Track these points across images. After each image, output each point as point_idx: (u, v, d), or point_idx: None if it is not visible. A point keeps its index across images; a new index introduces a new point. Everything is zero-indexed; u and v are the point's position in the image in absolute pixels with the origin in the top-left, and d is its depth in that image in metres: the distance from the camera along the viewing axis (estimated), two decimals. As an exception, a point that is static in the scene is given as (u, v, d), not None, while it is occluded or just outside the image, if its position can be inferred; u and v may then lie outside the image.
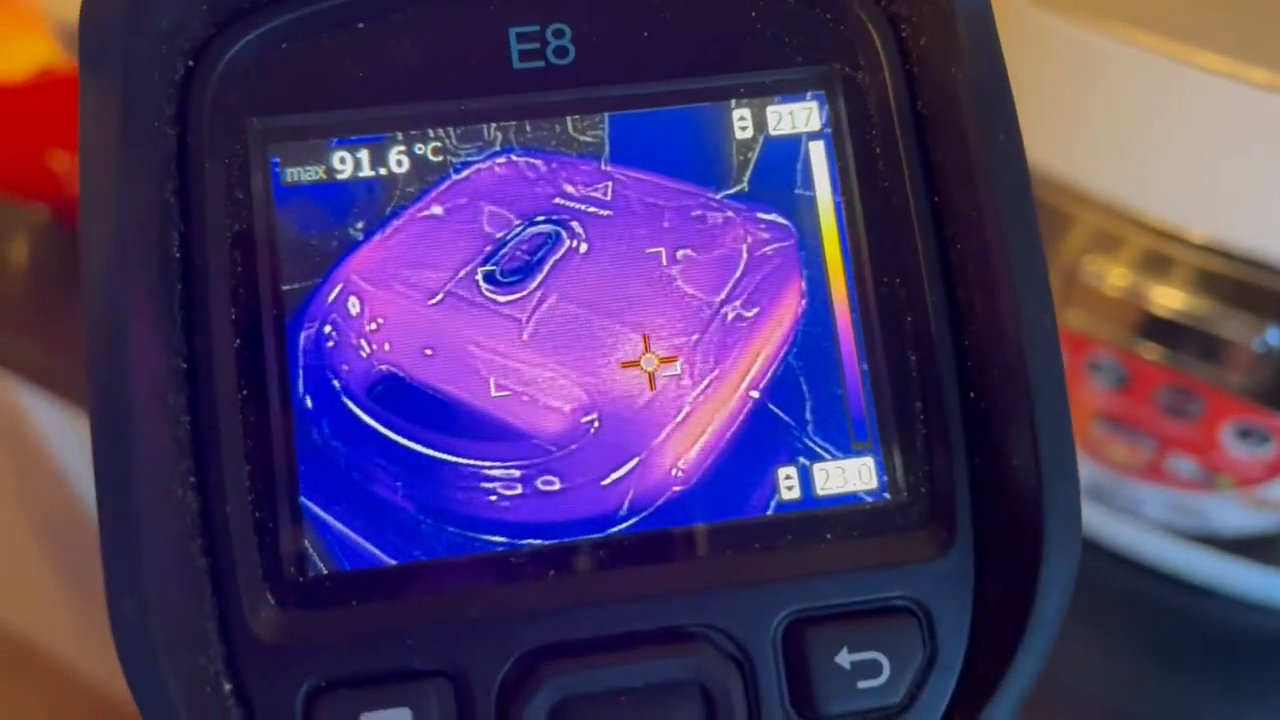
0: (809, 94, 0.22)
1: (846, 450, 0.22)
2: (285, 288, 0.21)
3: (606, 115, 0.22)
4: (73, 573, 0.96)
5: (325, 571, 0.21)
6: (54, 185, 0.62)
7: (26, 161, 0.62)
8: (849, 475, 0.22)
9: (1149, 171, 0.38)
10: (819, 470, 0.22)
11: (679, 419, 0.22)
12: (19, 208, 0.68)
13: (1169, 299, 0.39)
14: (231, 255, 0.21)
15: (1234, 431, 0.40)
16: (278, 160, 0.21)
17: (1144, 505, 0.44)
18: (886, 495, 0.22)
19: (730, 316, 0.22)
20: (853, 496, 0.22)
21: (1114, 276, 0.40)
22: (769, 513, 0.21)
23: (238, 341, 0.21)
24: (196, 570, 0.20)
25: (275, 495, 0.20)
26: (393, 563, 0.21)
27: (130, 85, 0.20)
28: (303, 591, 0.20)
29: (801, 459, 0.22)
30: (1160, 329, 0.39)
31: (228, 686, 0.20)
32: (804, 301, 0.22)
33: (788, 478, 0.22)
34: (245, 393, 0.20)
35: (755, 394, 0.22)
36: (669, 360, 0.22)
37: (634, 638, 0.20)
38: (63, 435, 0.78)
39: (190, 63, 0.21)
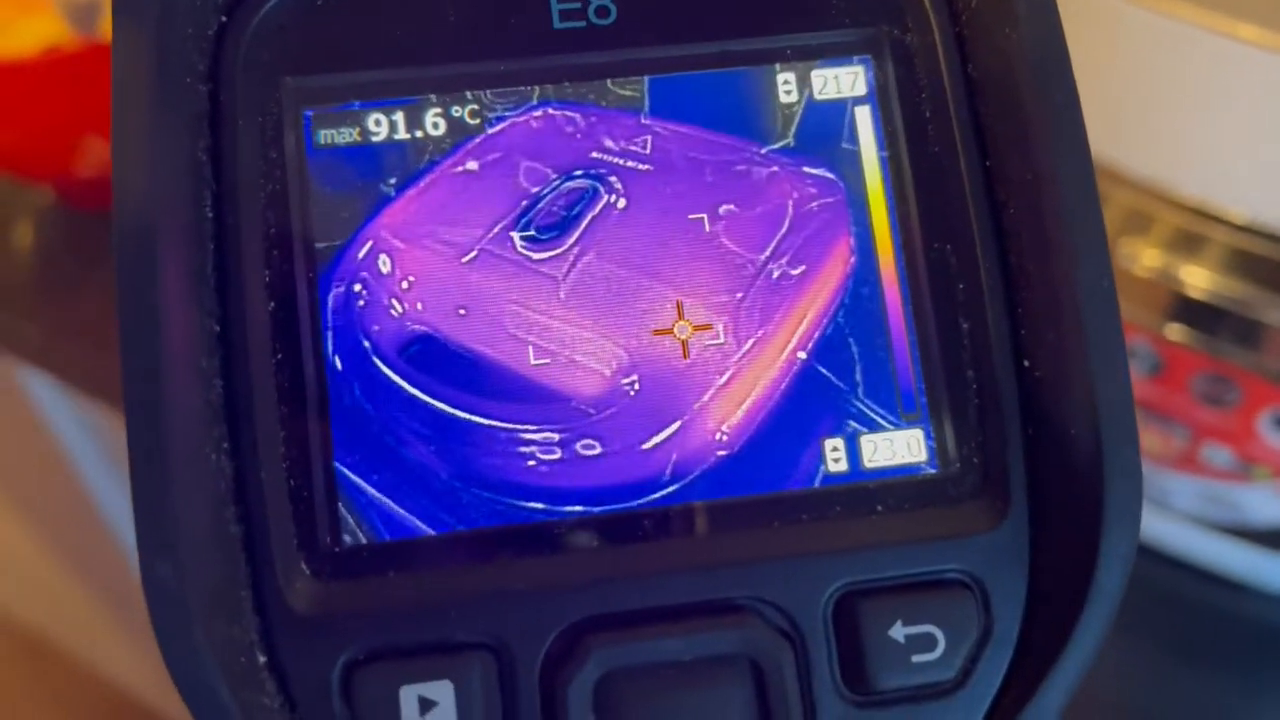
0: (855, 58, 0.22)
1: (895, 420, 0.21)
2: (317, 245, 0.21)
3: (646, 78, 0.22)
4: (76, 558, 0.96)
5: (361, 541, 0.20)
6: (59, 165, 0.62)
7: (32, 141, 0.62)
8: (897, 447, 0.21)
9: (1184, 149, 0.38)
10: (866, 442, 0.21)
11: (723, 381, 0.21)
12: (23, 189, 0.68)
13: (1205, 282, 0.39)
14: (264, 216, 0.20)
15: (1272, 420, 0.40)
16: (311, 121, 0.21)
17: (1174, 496, 0.44)
18: (936, 467, 0.21)
19: (776, 274, 0.22)
20: (901, 469, 0.21)
21: (1148, 258, 0.39)
22: (816, 485, 0.21)
23: (271, 304, 0.20)
24: (230, 538, 0.19)
25: (310, 462, 0.20)
26: (431, 532, 0.20)
27: (164, 37, 0.19)
28: (339, 561, 0.20)
29: (851, 424, 0.21)
30: (1196, 313, 0.39)
31: (263, 658, 0.19)
32: (853, 259, 0.22)
33: (834, 449, 0.21)
34: (279, 356, 0.20)
35: (803, 355, 0.21)
36: (712, 319, 0.21)
37: (682, 610, 0.20)
38: (66, 419, 0.77)
39: (224, 18, 0.21)
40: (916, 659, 0.20)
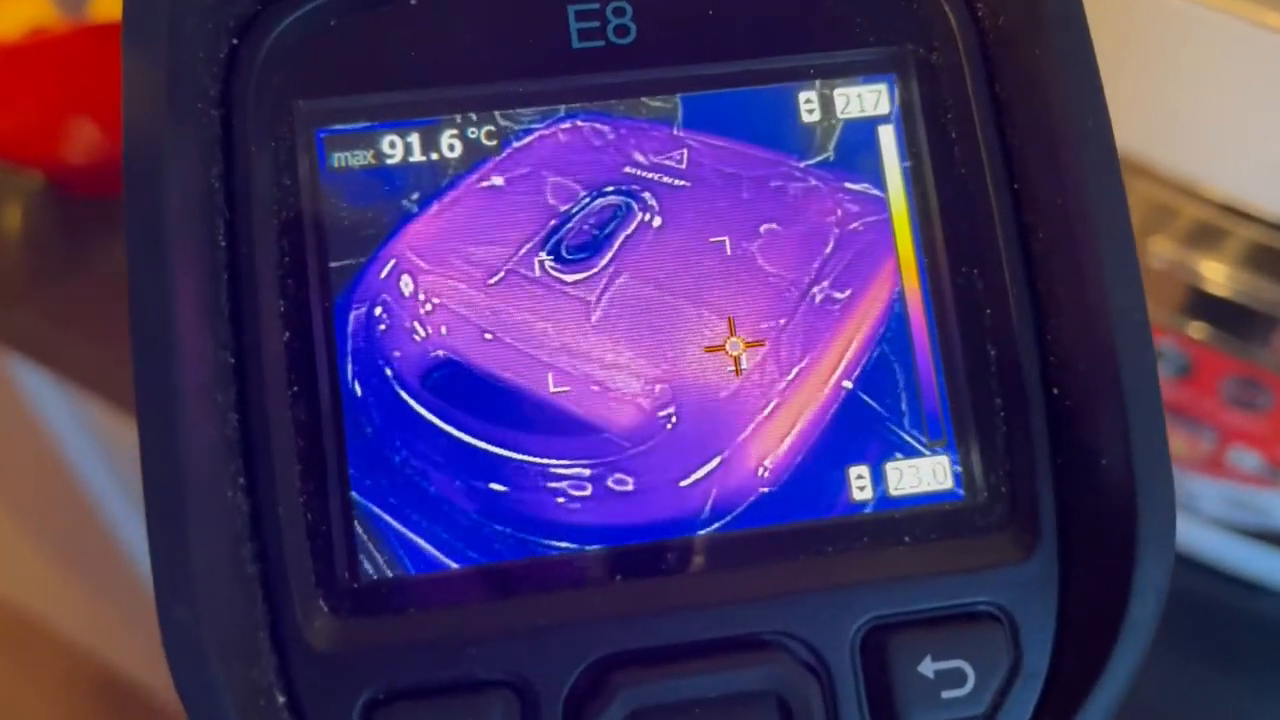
0: (879, 76, 0.22)
1: (921, 447, 0.21)
2: (334, 264, 0.21)
3: (679, 96, 0.22)
4: (67, 545, 0.96)
5: (381, 576, 0.20)
6: (47, 151, 0.62)
7: (19, 125, 0.61)
8: (923, 474, 0.21)
9: (1210, 142, 0.37)
10: (892, 469, 0.21)
11: (766, 413, 0.21)
12: (11, 174, 0.67)
13: (1230, 279, 0.38)
14: (279, 244, 0.20)
15: (1302, 424, 0.39)
16: (324, 143, 0.21)
17: (1200, 500, 0.44)
18: (963, 495, 0.21)
19: (819, 298, 0.21)
20: (928, 497, 0.21)
21: (1175, 256, 0.39)
22: (842, 514, 0.21)
23: (286, 334, 0.20)
24: (247, 577, 0.19)
25: (327, 495, 0.20)
26: (453, 566, 0.20)
27: (174, 63, 0.19)
28: (358, 598, 0.20)
29: (885, 452, 0.21)
30: (1227, 315, 0.39)
31: (281, 699, 0.19)
32: (899, 281, 0.21)
33: (859, 477, 0.21)
34: (295, 388, 0.20)
35: (848, 384, 0.21)
36: (754, 347, 0.21)
37: (709, 646, 0.20)
38: (55, 407, 0.77)
39: (235, 41, 0.21)
40: (946, 694, 0.20)
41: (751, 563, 0.20)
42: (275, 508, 0.19)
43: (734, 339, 0.21)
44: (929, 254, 0.21)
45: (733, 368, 0.21)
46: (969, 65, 0.21)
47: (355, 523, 0.20)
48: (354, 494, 0.20)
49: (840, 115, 0.22)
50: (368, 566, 0.20)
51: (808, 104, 0.22)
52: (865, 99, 0.22)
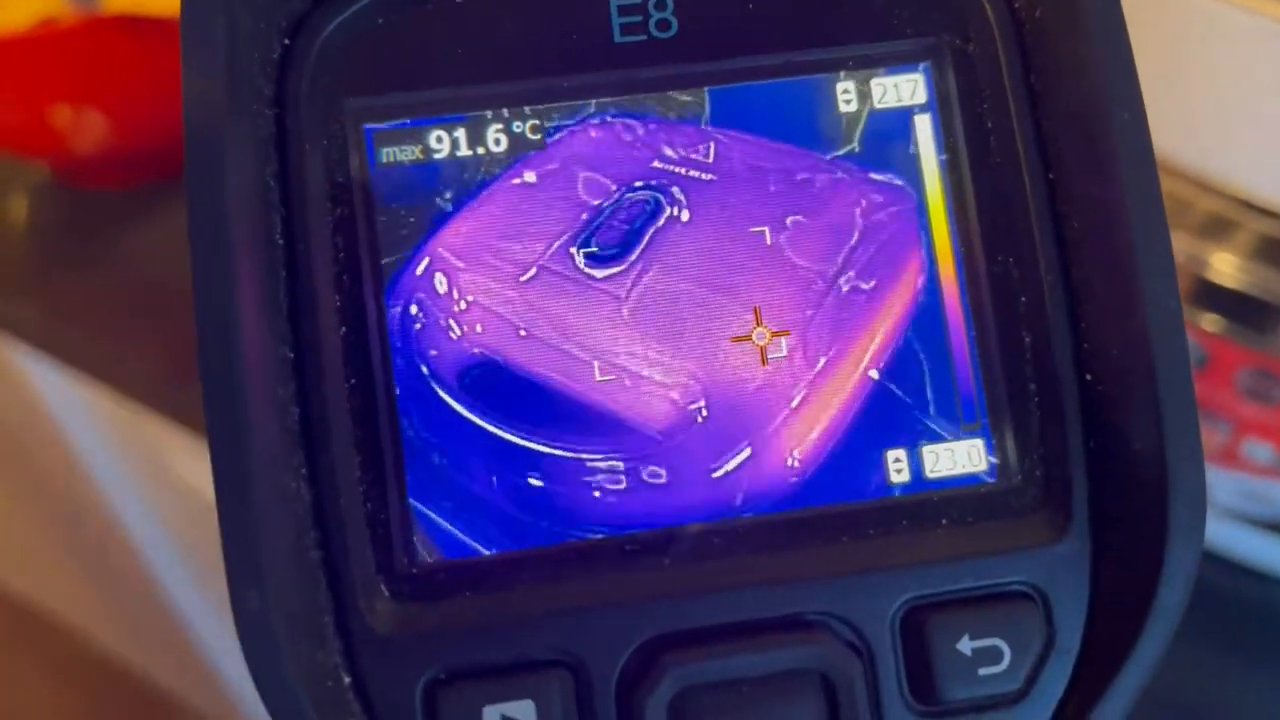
0: (915, 66, 0.22)
1: (956, 431, 0.22)
2: (385, 260, 0.21)
3: (706, 89, 0.22)
4: (73, 535, 0.97)
5: (436, 563, 0.21)
6: (55, 142, 0.62)
7: (27, 117, 0.61)
8: (958, 457, 0.22)
9: (1227, 136, 0.38)
10: (928, 452, 0.22)
11: (794, 404, 0.22)
12: (17, 165, 0.68)
13: (1249, 275, 0.39)
14: (333, 240, 0.21)
15: (1316, 416, 0.40)
16: (373, 138, 0.21)
17: (1214, 491, 0.44)
18: (997, 478, 0.22)
19: (846, 289, 0.22)
20: (963, 479, 0.22)
21: (1189, 249, 0.39)
22: (881, 497, 0.22)
23: (343, 329, 0.21)
24: (311, 564, 0.20)
25: (385, 486, 0.21)
26: (501, 553, 0.21)
27: (233, 64, 0.20)
28: (416, 583, 0.21)
29: (913, 440, 0.22)
30: (1241, 308, 0.39)
31: (347, 679, 0.20)
32: (924, 272, 0.22)
33: (897, 460, 0.22)
34: (352, 381, 0.21)
35: (875, 374, 0.22)
36: (781, 338, 0.22)
37: (754, 626, 0.21)
38: (62, 398, 0.77)
39: (286, 41, 0.21)
40: (983, 671, 0.21)
41: (793, 545, 0.21)
42: (337, 498, 0.20)
43: (760, 329, 0.22)
44: (964, 241, 0.22)
45: (759, 361, 0.22)
46: (1005, 55, 0.22)
47: (409, 513, 0.21)
48: (408, 485, 0.21)
49: (879, 105, 0.22)
50: (424, 554, 0.21)
51: (845, 94, 0.22)
52: (902, 88, 0.22)
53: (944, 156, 0.22)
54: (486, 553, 0.21)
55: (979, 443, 0.22)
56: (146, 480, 0.81)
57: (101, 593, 1.06)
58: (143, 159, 0.65)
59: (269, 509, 0.19)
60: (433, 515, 0.21)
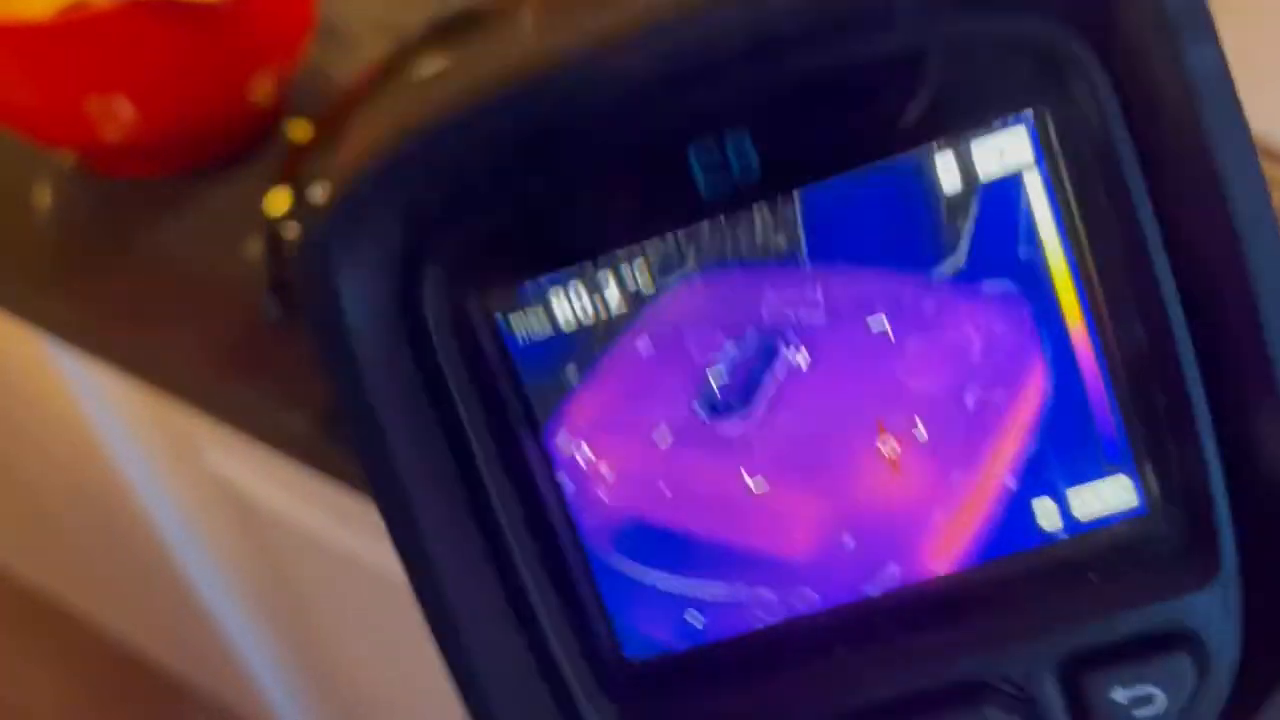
0: (1013, 118, 0.21)
1: (1099, 478, 0.22)
2: (531, 436, 0.23)
3: (796, 194, 0.21)
4: (97, 527, 0.97)
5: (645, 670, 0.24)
6: (82, 129, 0.62)
7: (55, 104, 0.61)
8: (1108, 504, 0.22)
9: None
10: (1074, 496, 0.22)
11: (935, 522, 0.22)
12: (44, 153, 0.67)
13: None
14: (489, 423, 0.23)
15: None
16: (504, 325, 0.23)
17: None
18: (1147, 532, 0.22)
19: (972, 404, 0.22)
20: (1114, 521, 0.22)
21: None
22: (1030, 549, 0.22)
23: (522, 510, 0.23)
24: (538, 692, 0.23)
25: (591, 630, 0.24)
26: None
27: (357, 322, 0.22)
28: (632, 686, 0.24)
29: (1056, 498, 0.23)
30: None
31: None
32: (1050, 375, 0.22)
33: (1044, 508, 0.23)
34: (540, 546, 0.23)
35: (1012, 485, 0.22)
36: (915, 461, 0.22)
37: (929, 698, 0.22)
38: (87, 389, 0.77)
39: (405, 271, 0.22)
40: (1138, 714, 0.22)
41: (956, 615, 0.22)
42: (546, 643, 0.23)
43: (892, 457, 0.22)
44: (1092, 303, 0.21)
45: (894, 478, 0.22)
46: (1105, 108, 0.20)
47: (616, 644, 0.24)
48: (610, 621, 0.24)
49: (984, 177, 0.21)
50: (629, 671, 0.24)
51: (946, 171, 0.21)
52: (1006, 148, 0.21)
53: (1059, 214, 0.21)
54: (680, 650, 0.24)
55: (1126, 482, 0.22)
56: (174, 471, 0.81)
57: (127, 586, 1.07)
58: (171, 147, 0.64)
59: (491, 661, 0.23)
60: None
